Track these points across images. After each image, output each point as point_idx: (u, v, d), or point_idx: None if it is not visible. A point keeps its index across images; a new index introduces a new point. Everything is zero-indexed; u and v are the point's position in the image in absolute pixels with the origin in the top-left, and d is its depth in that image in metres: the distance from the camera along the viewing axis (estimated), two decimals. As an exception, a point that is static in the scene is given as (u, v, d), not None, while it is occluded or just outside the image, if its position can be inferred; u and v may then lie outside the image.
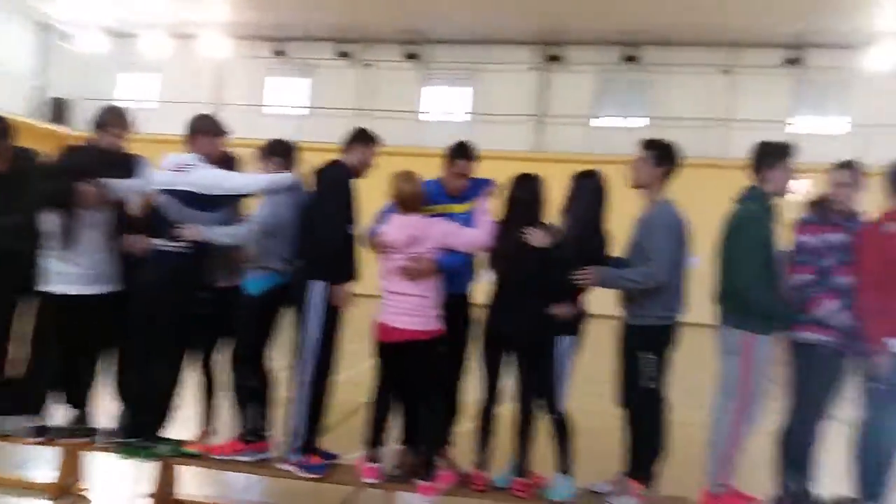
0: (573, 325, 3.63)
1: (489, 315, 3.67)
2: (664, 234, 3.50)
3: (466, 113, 18.03)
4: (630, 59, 16.81)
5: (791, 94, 16.49)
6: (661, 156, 3.64)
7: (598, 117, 17.53)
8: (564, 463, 3.59)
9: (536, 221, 3.56)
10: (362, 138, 3.90)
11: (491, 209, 3.68)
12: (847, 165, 3.59)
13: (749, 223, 3.44)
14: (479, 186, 3.82)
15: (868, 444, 3.44)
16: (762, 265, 3.41)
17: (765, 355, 3.43)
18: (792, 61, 16.08)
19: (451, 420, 3.95)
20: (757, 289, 3.39)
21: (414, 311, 3.54)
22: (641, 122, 17.10)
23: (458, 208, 3.86)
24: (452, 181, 3.91)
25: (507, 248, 3.58)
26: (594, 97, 17.53)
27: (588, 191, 3.69)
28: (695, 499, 3.59)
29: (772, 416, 3.56)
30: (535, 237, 3.50)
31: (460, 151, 3.90)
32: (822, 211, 3.55)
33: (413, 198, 3.65)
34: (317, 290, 3.64)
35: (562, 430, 3.59)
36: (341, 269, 3.69)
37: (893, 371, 3.28)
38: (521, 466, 3.58)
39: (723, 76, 16.65)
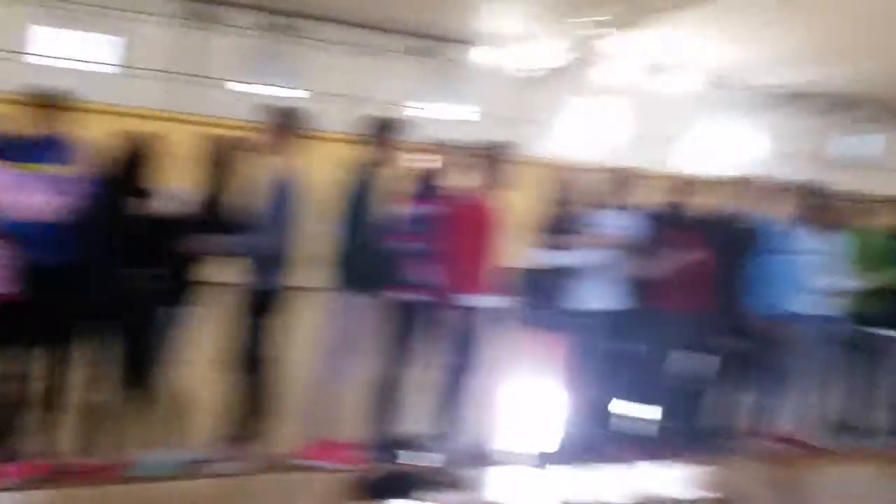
0: (181, 295, 3.65)
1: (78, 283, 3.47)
2: (282, 201, 3.70)
3: (104, 64, 16.18)
4: (280, 27, 16.85)
5: (421, 79, 18.28)
6: (287, 123, 3.81)
7: (245, 82, 17.26)
8: (167, 436, 3.61)
9: (140, 184, 3.47)
10: None
11: None
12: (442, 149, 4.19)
13: (361, 191, 3.82)
14: (58, 145, 3.46)
15: (450, 384, 4.14)
16: (370, 230, 3.83)
17: (363, 314, 3.87)
18: (421, 51, 17.78)
19: None
20: (365, 252, 3.80)
21: None
22: (288, 92, 17.37)
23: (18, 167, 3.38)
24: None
25: (105, 213, 3.42)
26: (242, 61, 17.20)
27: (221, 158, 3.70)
28: (296, 452, 3.93)
29: (364, 367, 4.06)
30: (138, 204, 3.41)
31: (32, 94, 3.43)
32: (426, 186, 4.09)
33: None
34: None
35: (169, 403, 3.60)
36: None
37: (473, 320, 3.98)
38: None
39: (367, 57, 17.72)
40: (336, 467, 3.88)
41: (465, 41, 17.83)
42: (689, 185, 4.71)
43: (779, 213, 4.82)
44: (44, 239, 3.34)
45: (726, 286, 4.49)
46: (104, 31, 16.07)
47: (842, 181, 20.92)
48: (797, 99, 20.81)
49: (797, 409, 5.10)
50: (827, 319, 4.93)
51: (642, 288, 4.37)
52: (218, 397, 3.86)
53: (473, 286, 3.95)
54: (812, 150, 21.54)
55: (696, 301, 4.46)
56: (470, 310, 3.98)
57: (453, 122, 18.00)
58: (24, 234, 3.23)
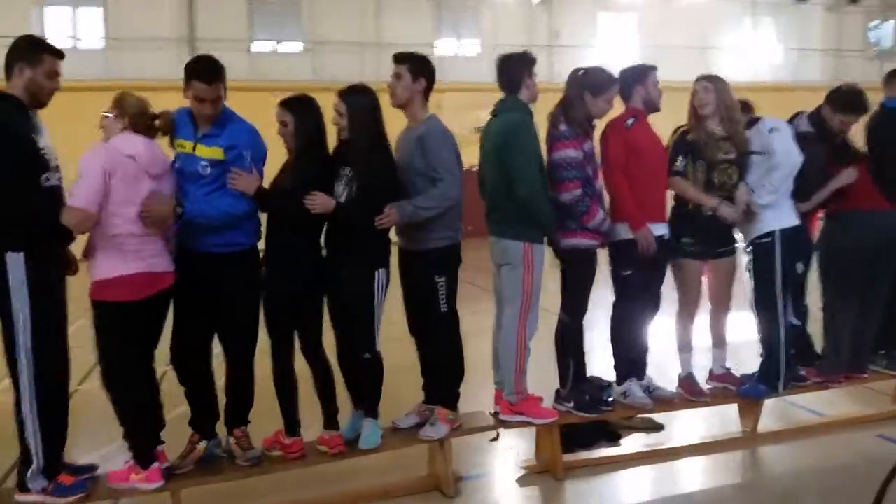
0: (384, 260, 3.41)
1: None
2: (447, 150, 3.38)
3: (100, 38, 15.53)
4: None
5: (433, 19, 17.59)
6: (418, 69, 3.46)
7: (252, 41, 16.62)
8: (372, 407, 3.40)
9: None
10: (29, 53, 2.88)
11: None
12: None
13: (522, 132, 3.48)
14: (238, 128, 3.19)
15: (620, 328, 3.90)
16: (540, 173, 3.52)
17: (541, 263, 3.60)
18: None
19: None
20: (541, 197, 3.48)
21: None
22: (296, 46, 16.75)
23: (199, 150, 3.11)
24: (196, 110, 3.18)
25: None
26: (247, 21, 16.52)
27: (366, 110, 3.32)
28: (492, 411, 3.72)
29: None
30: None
31: (194, 70, 3.05)
32: (571, 122, 3.71)
33: (136, 114, 3.01)
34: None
35: (373, 372, 3.37)
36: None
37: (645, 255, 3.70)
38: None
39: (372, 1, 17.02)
40: (541, 421, 3.67)
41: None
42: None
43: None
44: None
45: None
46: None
47: (864, 73, 20.53)
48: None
49: None
50: None
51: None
52: (402, 362, 3.62)
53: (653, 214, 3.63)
54: (834, 44, 21.04)
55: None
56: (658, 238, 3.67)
57: (467, 58, 17.44)
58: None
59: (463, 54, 17.68)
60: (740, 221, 3.88)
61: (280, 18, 16.84)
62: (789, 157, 3.79)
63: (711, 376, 4.11)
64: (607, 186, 3.74)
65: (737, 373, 4.11)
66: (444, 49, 17.45)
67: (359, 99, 3.30)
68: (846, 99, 4.05)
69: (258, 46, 16.64)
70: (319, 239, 3.37)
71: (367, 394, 3.40)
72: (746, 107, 4.15)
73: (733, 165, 3.82)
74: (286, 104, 3.25)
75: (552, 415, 3.66)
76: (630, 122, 3.77)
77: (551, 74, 17.14)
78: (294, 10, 16.79)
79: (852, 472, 3.61)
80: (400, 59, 3.46)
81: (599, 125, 3.80)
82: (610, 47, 19.01)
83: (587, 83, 3.64)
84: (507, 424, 3.67)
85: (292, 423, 3.33)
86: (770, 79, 19.36)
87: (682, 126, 3.95)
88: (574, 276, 3.72)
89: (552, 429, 3.69)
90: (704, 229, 3.87)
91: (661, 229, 3.77)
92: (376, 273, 3.30)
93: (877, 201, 3.99)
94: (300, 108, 3.24)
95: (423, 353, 3.64)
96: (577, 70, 3.76)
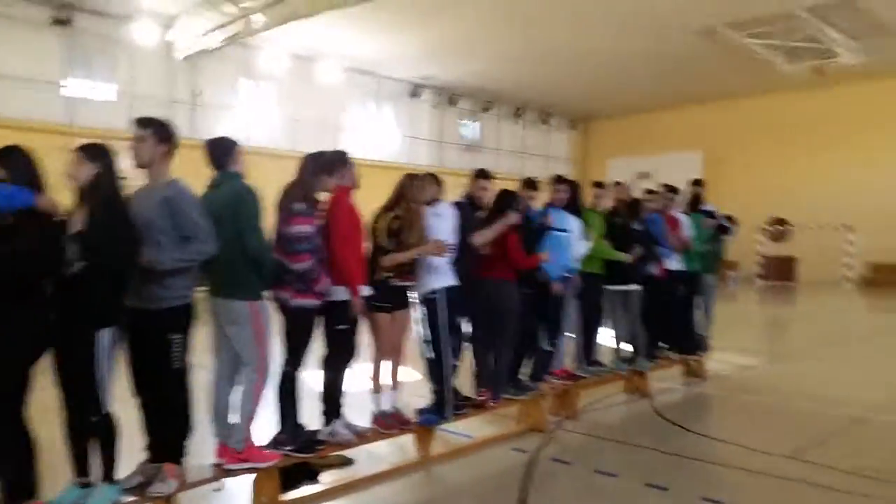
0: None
1: None
2: (196, 211, 3.56)
3: None
4: None
5: (61, 56, 16.06)
6: (163, 135, 3.63)
7: None
8: (107, 472, 3.32)
9: None
10: None
11: None
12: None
13: (249, 196, 3.84)
14: None
15: (330, 375, 4.43)
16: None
17: (268, 318, 3.96)
18: (61, 21, 15.62)
19: None
20: (269, 253, 3.88)
21: None
22: None
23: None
24: None
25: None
26: None
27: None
28: (212, 461, 3.88)
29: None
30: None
31: None
32: (309, 201, 4.18)
33: None
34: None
35: (107, 433, 3.30)
36: None
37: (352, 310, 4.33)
38: None
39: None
40: (265, 465, 3.88)
41: (116, 16, 16.14)
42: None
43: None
44: None
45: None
46: None
47: (458, 160, 24.66)
48: (420, 90, 23.88)
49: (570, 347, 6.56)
50: (584, 277, 6.39)
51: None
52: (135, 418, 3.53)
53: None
54: (437, 135, 25.09)
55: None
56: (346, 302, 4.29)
57: (101, 102, 16.31)
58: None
59: (97, 98, 16.47)
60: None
61: None
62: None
63: (391, 414, 4.81)
64: (337, 255, 4.25)
65: (408, 409, 4.95)
66: (74, 90, 16.07)
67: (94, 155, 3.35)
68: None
69: None
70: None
71: (103, 458, 3.32)
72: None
73: None
74: None
75: (274, 458, 3.98)
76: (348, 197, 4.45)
77: (192, 131, 17.10)
78: None
79: (502, 478, 4.69)
80: (145, 123, 3.58)
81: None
82: (250, 111, 19.70)
83: (323, 164, 4.22)
84: (233, 473, 3.87)
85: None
86: (390, 159, 22.19)
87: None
88: (299, 332, 4.17)
89: (271, 472, 4.01)
90: (389, 290, 4.70)
91: (366, 290, 4.47)
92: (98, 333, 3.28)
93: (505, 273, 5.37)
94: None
95: (148, 412, 3.66)
96: (311, 154, 4.30)
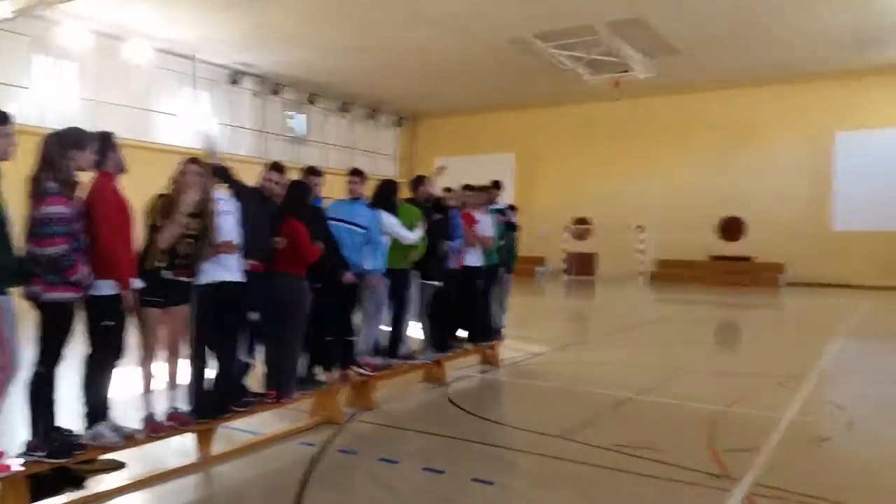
0: None
1: None
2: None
3: None
4: None
5: None
6: None
7: None
8: None
9: None
10: None
11: None
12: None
13: None
14: None
15: (93, 376, 4.16)
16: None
17: (11, 314, 3.63)
18: None
19: None
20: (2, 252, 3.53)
21: None
22: None
23: None
24: None
25: None
26: None
27: None
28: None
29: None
30: None
31: None
32: (69, 183, 3.87)
33: None
34: None
35: None
36: None
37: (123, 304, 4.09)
38: None
39: None
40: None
41: None
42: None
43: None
44: None
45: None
46: None
47: (283, 152, 24.17)
48: (240, 77, 23.03)
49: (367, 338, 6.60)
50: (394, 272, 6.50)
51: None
52: None
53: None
54: (260, 125, 24.30)
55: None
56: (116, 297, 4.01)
57: None
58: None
59: None
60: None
61: None
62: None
63: (168, 415, 4.60)
64: (101, 244, 3.98)
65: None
66: None
67: None
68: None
69: None
70: None
71: None
72: None
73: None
74: None
75: (2, 469, 3.66)
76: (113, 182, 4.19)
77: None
78: None
79: (286, 472, 4.66)
80: None
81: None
82: (46, 91, 17.91)
83: (69, 141, 3.90)
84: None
85: None
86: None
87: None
88: (53, 329, 3.86)
89: (16, 481, 3.70)
90: (163, 283, 4.47)
91: (138, 283, 4.23)
92: None
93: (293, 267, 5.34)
94: None
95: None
96: (54, 132, 3.97)
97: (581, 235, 27.00)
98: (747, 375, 8.31)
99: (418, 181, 7.22)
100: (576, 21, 17.55)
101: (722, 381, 8.06)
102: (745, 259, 24.35)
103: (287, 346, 5.38)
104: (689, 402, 6.75)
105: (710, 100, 24.53)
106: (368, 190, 6.50)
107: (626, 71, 20.33)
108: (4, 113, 3.71)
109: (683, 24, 17.70)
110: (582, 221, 27.12)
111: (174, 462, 4.75)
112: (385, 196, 6.56)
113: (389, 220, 6.46)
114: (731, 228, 24.79)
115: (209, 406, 4.78)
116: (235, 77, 22.98)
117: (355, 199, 6.27)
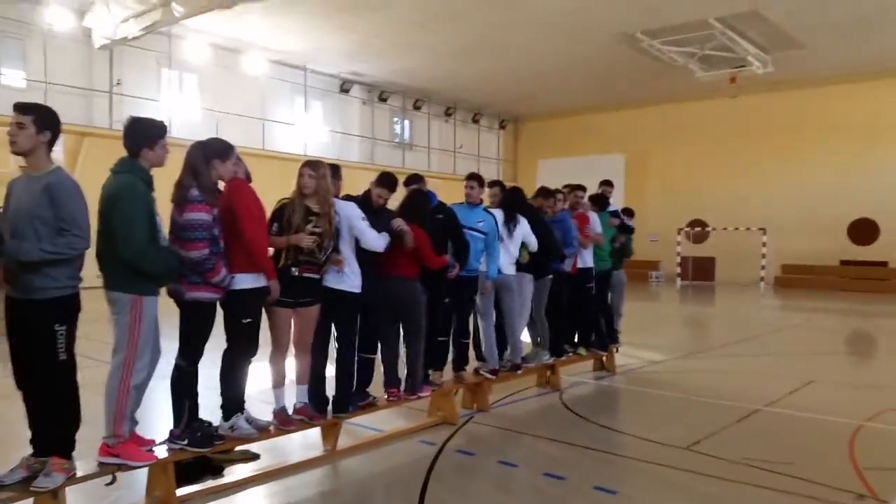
0: None
1: None
2: (76, 202, 3.45)
3: None
4: None
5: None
6: (44, 122, 3.50)
7: None
8: None
9: None
10: None
11: None
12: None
13: (126, 196, 3.64)
14: None
15: (231, 370, 4.38)
16: (149, 233, 3.77)
17: (151, 313, 3.86)
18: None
19: None
20: (147, 255, 3.72)
21: None
22: None
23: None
24: None
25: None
26: None
27: None
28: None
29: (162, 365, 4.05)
30: None
31: None
32: (211, 190, 4.11)
33: None
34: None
35: None
36: None
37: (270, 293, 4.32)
38: None
39: None
40: (136, 464, 3.79)
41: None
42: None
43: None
44: None
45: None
46: None
47: (390, 157, 24.70)
48: (349, 86, 23.74)
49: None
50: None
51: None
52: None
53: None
54: (369, 132, 24.97)
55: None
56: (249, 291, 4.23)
57: (5, 88, 15.52)
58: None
59: (6, 84, 15.70)
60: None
61: None
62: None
63: (296, 409, 4.77)
64: (247, 236, 4.16)
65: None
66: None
67: None
68: (383, 178, 5.41)
69: None
70: None
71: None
72: None
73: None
74: None
75: (149, 458, 3.87)
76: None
77: (111, 122, 16.52)
78: None
79: (406, 468, 4.75)
80: (24, 109, 3.45)
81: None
82: (173, 102, 19.17)
83: (212, 151, 4.13)
84: (107, 467, 3.73)
85: None
86: (319, 154, 21.96)
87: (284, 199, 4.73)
88: (194, 326, 4.09)
89: (166, 467, 3.94)
90: (291, 282, 4.60)
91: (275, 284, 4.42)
92: None
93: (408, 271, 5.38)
94: None
95: (33, 405, 3.54)
96: (197, 142, 4.21)
97: (699, 238, 25.93)
98: (887, 388, 7.70)
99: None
100: (688, 16, 16.94)
101: (858, 395, 7.52)
102: (882, 264, 22.58)
103: (411, 347, 5.47)
104: (824, 415, 6.33)
105: (835, 95, 23.02)
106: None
107: (742, 66, 19.40)
108: (164, 125, 3.98)
109: (804, 16, 16.71)
110: (698, 224, 26.03)
111: (299, 455, 4.93)
112: (518, 203, 6.59)
113: (526, 229, 6.49)
114: (863, 231, 23.11)
115: (338, 401, 4.93)
116: (345, 86, 23.72)
117: (475, 204, 6.29)
